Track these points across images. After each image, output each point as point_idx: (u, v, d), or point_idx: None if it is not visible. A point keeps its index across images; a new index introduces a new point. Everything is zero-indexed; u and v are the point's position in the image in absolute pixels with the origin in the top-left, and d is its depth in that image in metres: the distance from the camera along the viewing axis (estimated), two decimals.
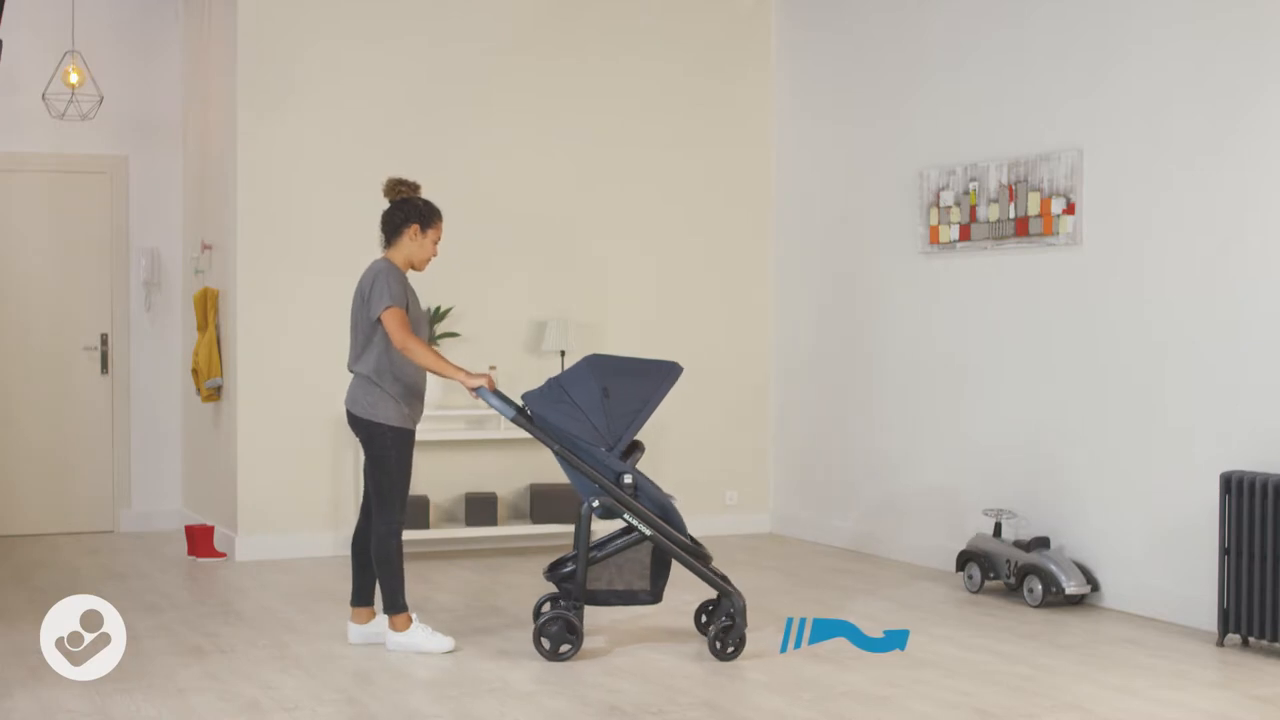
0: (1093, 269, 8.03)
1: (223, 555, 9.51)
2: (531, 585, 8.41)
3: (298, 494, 9.49)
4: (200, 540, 9.53)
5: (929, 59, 9.22)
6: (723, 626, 6.63)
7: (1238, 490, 6.95)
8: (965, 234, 8.82)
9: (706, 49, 10.47)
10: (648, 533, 6.64)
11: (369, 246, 9.58)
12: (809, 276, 10.28)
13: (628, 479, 6.65)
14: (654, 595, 6.80)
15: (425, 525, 9.44)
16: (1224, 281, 7.32)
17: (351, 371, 6.88)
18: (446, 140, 9.79)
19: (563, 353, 9.81)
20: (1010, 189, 8.48)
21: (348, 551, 9.41)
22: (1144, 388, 7.74)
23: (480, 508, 9.57)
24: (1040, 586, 7.83)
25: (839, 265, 9.98)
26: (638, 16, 10.31)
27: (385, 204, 9.60)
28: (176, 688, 6.18)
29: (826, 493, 10.10)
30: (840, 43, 10.01)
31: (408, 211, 6.90)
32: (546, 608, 6.91)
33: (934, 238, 9.06)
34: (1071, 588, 7.78)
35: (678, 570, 6.96)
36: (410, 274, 7.10)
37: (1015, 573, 8.00)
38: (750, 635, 6.87)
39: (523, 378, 9.91)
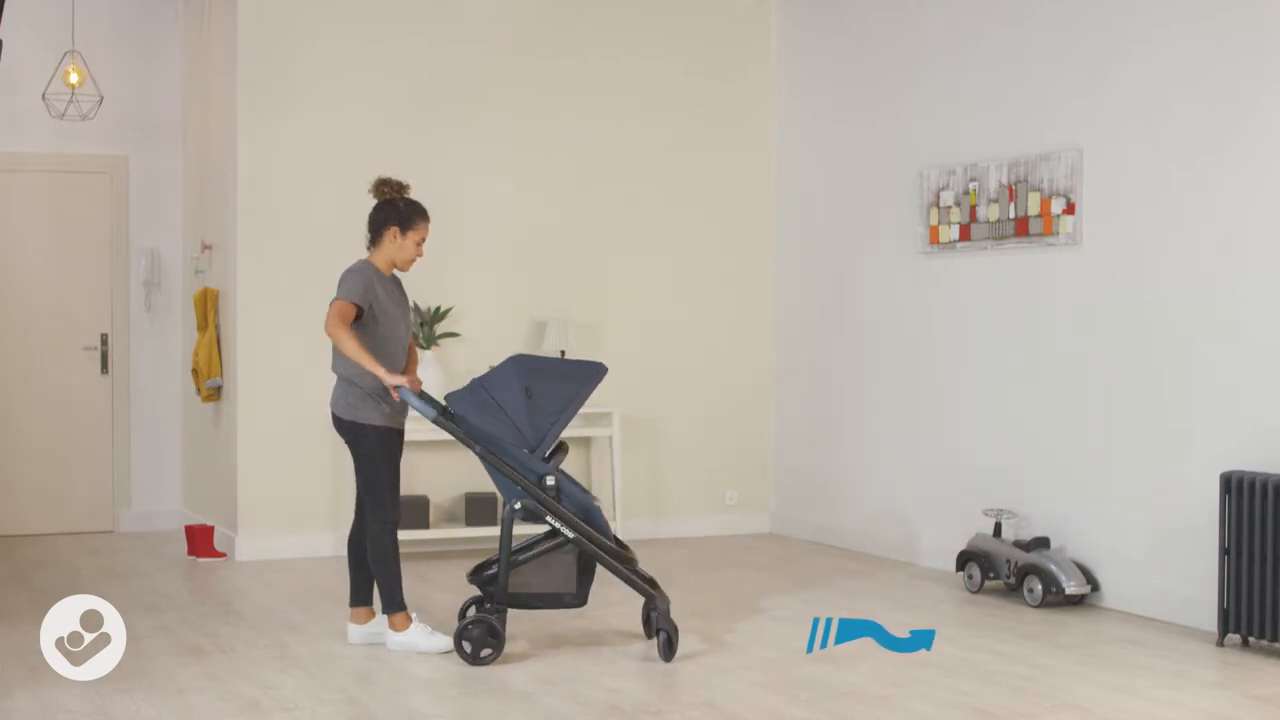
0: (1093, 269, 8.03)
1: (223, 555, 9.50)
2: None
3: (298, 494, 9.48)
4: (200, 540, 9.53)
5: (929, 59, 9.22)
6: (665, 637, 6.61)
7: (1238, 490, 6.94)
8: (965, 234, 8.82)
9: (706, 49, 10.47)
10: (570, 535, 6.59)
11: (364, 250, 9.61)
12: (809, 276, 10.28)
13: (550, 480, 6.61)
14: (579, 598, 6.72)
15: (425, 525, 9.44)
16: (1224, 281, 7.32)
17: (334, 373, 6.90)
18: (446, 140, 9.79)
19: (563, 352, 9.80)
20: (1010, 189, 8.48)
21: (346, 552, 9.49)
22: (1144, 388, 7.73)
23: (480, 508, 9.57)
24: (1040, 586, 7.82)
25: (839, 265, 9.97)
26: (637, 16, 10.31)
27: None
28: (176, 688, 6.18)
29: (826, 493, 10.09)
30: (840, 43, 10.01)
31: (387, 213, 6.91)
32: (471, 611, 6.92)
33: (934, 238, 9.05)
34: (1071, 588, 7.78)
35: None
36: (404, 275, 7.12)
37: (1015, 573, 8.00)
38: (747, 635, 6.87)
39: None
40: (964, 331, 8.91)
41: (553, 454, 6.75)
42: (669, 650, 6.60)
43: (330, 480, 9.54)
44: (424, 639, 6.83)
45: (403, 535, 9.32)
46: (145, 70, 10.67)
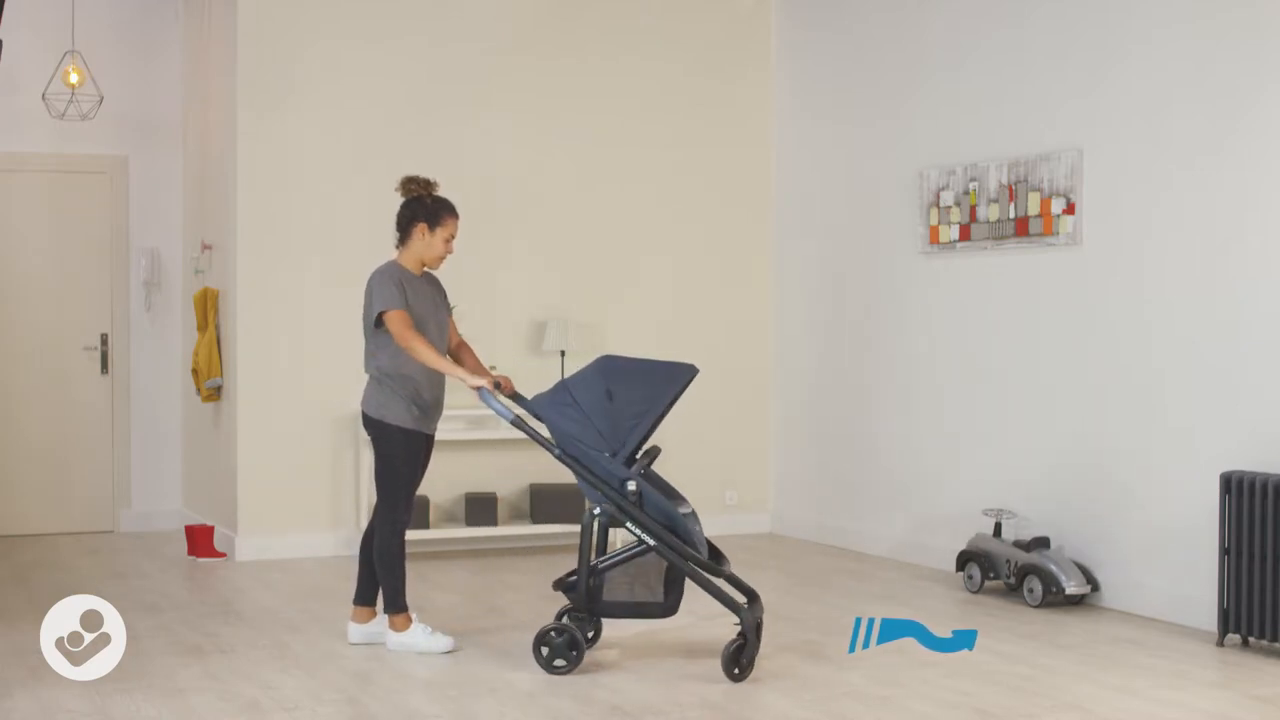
0: (1093, 269, 8.02)
1: (223, 555, 9.50)
2: (532, 586, 8.40)
3: (298, 494, 9.48)
4: (200, 540, 9.52)
5: (929, 59, 9.21)
6: (736, 646, 6.30)
7: (1238, 490, 6.94)
8: (965, 234, 8.81)
9: (707, 49, 10.47)
10: (651, 543, 6.34)
11: (369, 246, 9.60)
12: (809, 276, 10.27)
13: (631, 486, 6.37)
14: (666, 608, 6.47)
15: (425, 525, 9.43)
16: (1224, 281, 7.32)
17: (365, 373, 6.86)
18: (446, 140, 9.78)
19: (563, 353, 9.80)
20: (1010, 189, 8.48)
21: (348, 552, 9.50)
22: (1144, 388, 7.73)
23: (480, 508, 9.57)
24: (1040, 586, 7.82)
25: (839, 265, 9.97)
26: (637, 16, 10.30)
27: (386, 203, 9.64)
28: (176, 688, 6.17)
29: (826, 492, 10.09)
30: (840, 42, 10.01)
31: (415, 210, 6.85)
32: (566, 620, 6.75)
33: (934, 238, 9.05)
34: (1071, 588, 7.77)
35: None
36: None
37: (1015, 573, 8.00)
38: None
39: (524, 377, 9.87)
40: (964, 331, 8.90)
41: (643, 458, 6.50)
42: (748, 667, 6.30)
43: (330, 480, 9.53)
44: (424, 639, 6.82)
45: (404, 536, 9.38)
46: (145, 70, 10.66)
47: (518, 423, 6.59)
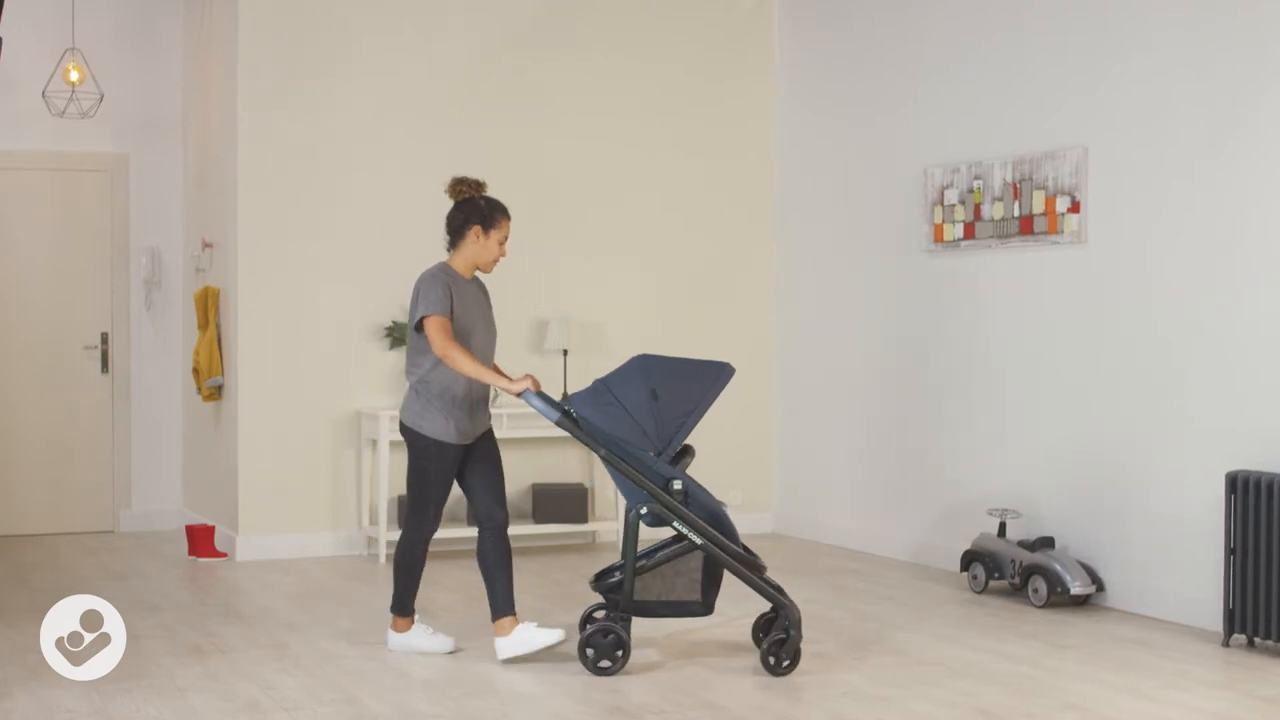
0: (1098, 267, 7.99)
1: (223, 555, 9.47)
2: (534, 586, 8.37)
3: (299, 494, 9.46)
4: (201, 540, 9.50)
5: (932, 56, 9.18)
6: (776, 640, 6.36)
7: (1243, 490, 6.91)
8: (970, 232, 8.78)
9: (708, 48, 10.44)
10: (698, 541, 6.33)
11: (371, 244, 9.62)
12: (812, 275, 10.24)
13: (677, 485, 6.36)
14: (706, 607, 6.46)
15: None
16: (1229, 280, 7.29)
17: (407, 380, 6.72)
18: (447, 140, 9.76)
19: (565, 352, 9.77)
20: (1015, 187, 8.45)
21: (350, 552, 9.50)
22: (1149, 387, 7.70)
23: None
24: (1045, 587, 7.79)
25: (842, 264, 9.94)
26: (638, 16, 10.27)
27: (387, 201, 9.65)
28: (176, 688, 6.15)
29: (830, 492, 10.07)
30: (843, 40, 9.98)
31: (469, 212, 6.64)
32: (597, 616, 6.73)
33: (938, 236, 9.02)
34: (1076, 588, 7.74)
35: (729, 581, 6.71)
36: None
37: (1020, 573, 7.97)
38: (749, 635, 6.83)
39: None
40: (968, 331, 8.87)
41: (677, 458, 6.49)
42: (795, 659, 6.38)
43: (331, 480, 9.51)
44: (425, 639, 6.78)
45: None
46: (146, 68, 10.63)
47: (562, 422, 6.47)
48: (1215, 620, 7.21)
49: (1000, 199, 8.55)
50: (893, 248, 9.46)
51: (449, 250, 6.73)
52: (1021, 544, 8.06)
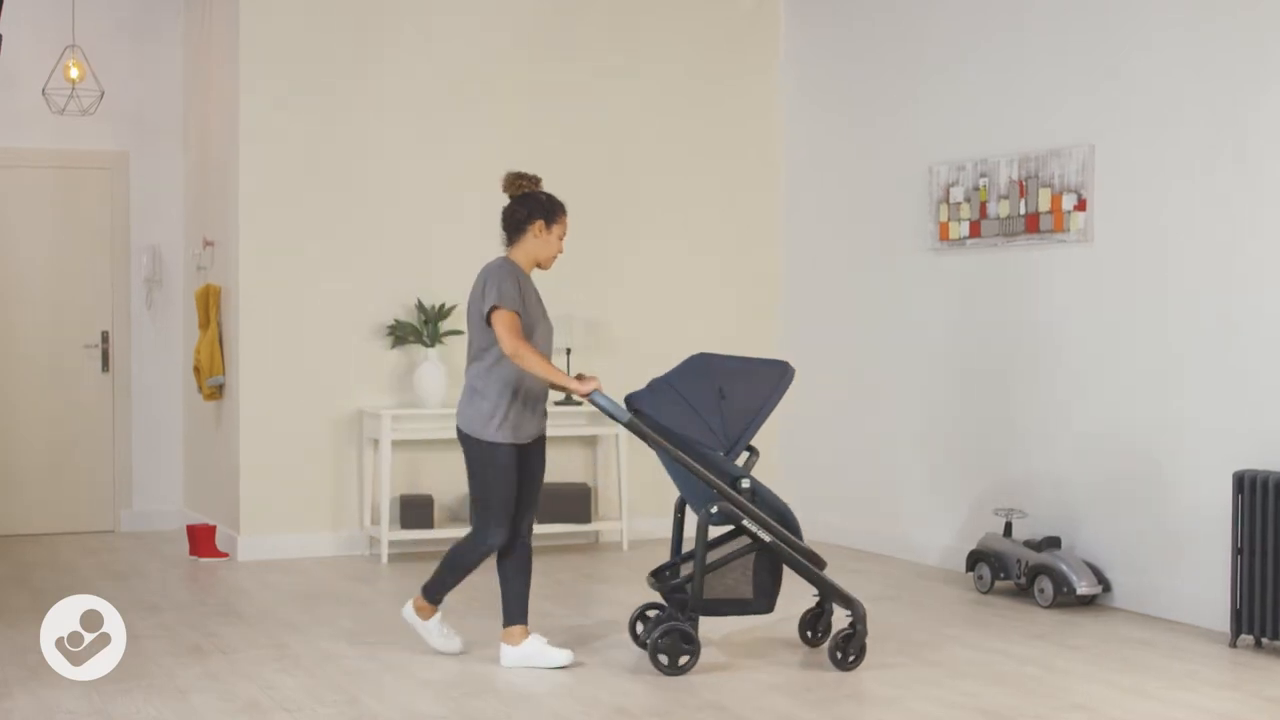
0: (1104, 266, 7.95)
1: (225, 555, 9.44)
2: (536, 585, 8.30)
3: (301, 493, 9.42)
4: (202, 540, 9.46)
5: (937, 53, 9.15)
6: (844, 635, 6.41)
7: (1250, 489, 6.88)
8: (975, 230, 8.75)
9: (713, 46, 10.40)
10: (767, 539, 6.32)
11: (374, 242, 9.58)
12: (817, 273, 10.21)
13: (745, 484, 6.36)
14: (768, 605, 6.46)
15: (429, 525, 9.37)
16: (1237, 279, 7.25)
17: (466, 378, 6.54)
18: (449, 137, 9.72)
19: (569, 350, 9.74)
20: (1021, 185, 8.41)
21: (351, 552, 9.47)
22: (1156, 385, 7.66)
23: None
24: (1051, 587, 7.75)
25: (847, 262, 9.91)
26: (642, 13, 10.23)
27: (389, 199, 9.61)
28: (177, 688, 6.13)
29: (835, 492, 10.03)
30: (848, 38, 9.94)
31: (531, 207, 6.48)
32: (650, 615, 6.72)
33: (944, 234, 8.98)
34: (1083, 588, 7.71)
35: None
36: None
37: (1026, 573, 7.93)
38: (754, 636, 6.81)
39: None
40: (973, 329, 8.84)
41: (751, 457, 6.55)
42: (861, 654, 6.44)
43: (333, 480, 9.48)
44: (436, 634, 6.68)
45: (405, 536, 9.34)
46: (146, 65, 10.60)
47: (633, 423, 6.37)
48: (1222, 621, 7.17)
49: (1006, 197, 8.51)
50: (897, 246, 9.42)
51: (506, 246, 6.57)
52: (1027, 544, 8.02)
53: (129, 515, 10.62)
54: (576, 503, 9.64)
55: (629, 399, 6.46)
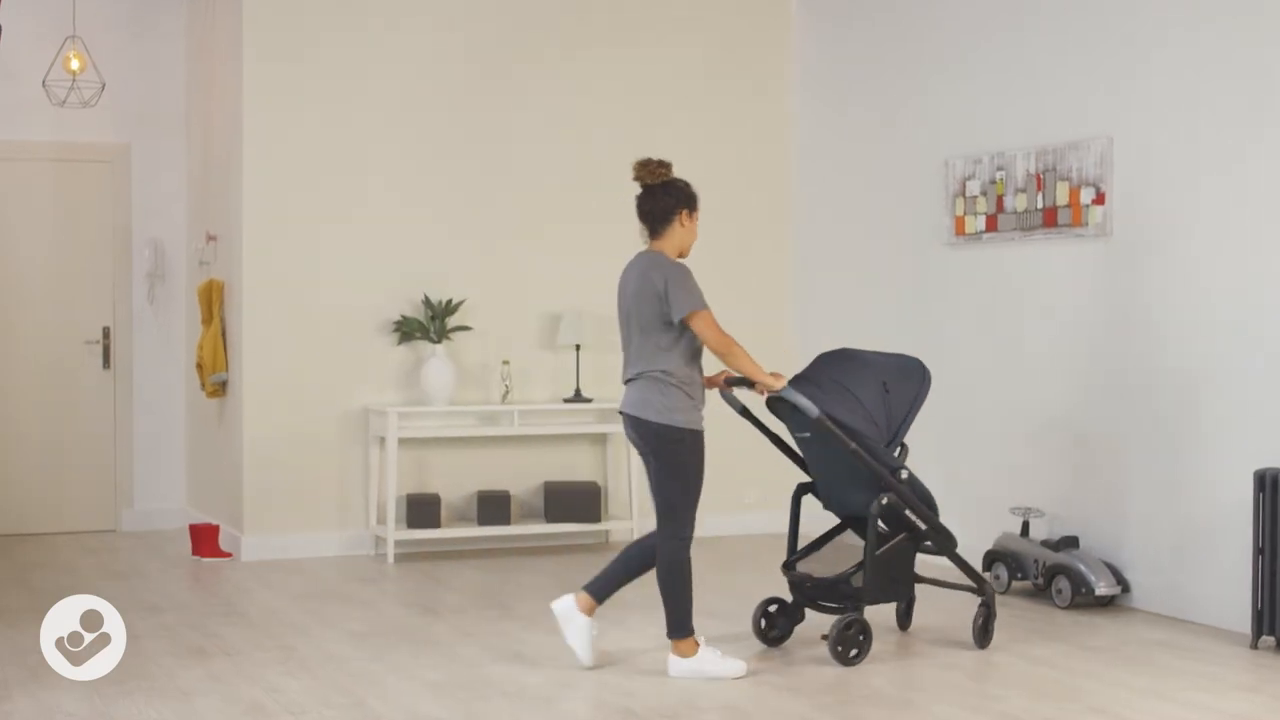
0: (1123, 260, 7.86)
1: (228, 555, 9.35)
2: (546, 586, 8.25)
3: (305, 492, 9.34)
4: (205, 540, 9.39)
5: (954, 45, 9.06)
6: (983, 619, 6.81)
7: (1271, 488, 6.78)
8: (992, 224, 8.65)
9: (726, 37, 10.32)
10: (924, 528, 6.68)
11: (379, 237, 9.48)
12: (831, 268, 10.13)
13: (904, 474, 6.62)
14: (908, 591, 6.95)
15: (436, 524, 9.28)
16: (1257, 274, 7.15)
17: (632, 377, 6.29)
18: (457, 130, 9.65)
19: (578, 346, 9.63)
20: (1038, 178, 8.30)
21: (357, 552, 9.40)
22: (1175, 383, 7.57)
23: (493, 506, 9.40)
24: (1069, 587, 7.67)
25: (862, 257, 9.82)
26: (654, 5, 10.15)
27: (391, 197, 9.51)
28: (179, 689, 6.07)
29: None
30: (862, 29, 9.86)
31: (676, 196, 6.33)
32: (771, 611, 6.87)
33: (960, 228, 8.89)
34: (1101, 588, 7.62)
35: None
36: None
37: (1043, 573, 7.84)
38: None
39: (536, 371, 9.78)
40: (990, 325, 8.75)
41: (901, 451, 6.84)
42: (985, 637, 6.82)
43: (338, 479, 9.39)
44: (715, 664, 6.25)
45: (411, 536, 9.25)
46: (148, 56, 10.51)
47: (821, 419, 6.39)
48: (1243, 621, 7.08)
49: (1023, 190, 8.40)
50: (913, 240, 9.33)
51: (650, 239, 6.45)
52: (1045, 544, 7.94)
53: (130, 514, 10.54)
54: (586, 502, 9.55)
55: (786, 394, 6.50)
